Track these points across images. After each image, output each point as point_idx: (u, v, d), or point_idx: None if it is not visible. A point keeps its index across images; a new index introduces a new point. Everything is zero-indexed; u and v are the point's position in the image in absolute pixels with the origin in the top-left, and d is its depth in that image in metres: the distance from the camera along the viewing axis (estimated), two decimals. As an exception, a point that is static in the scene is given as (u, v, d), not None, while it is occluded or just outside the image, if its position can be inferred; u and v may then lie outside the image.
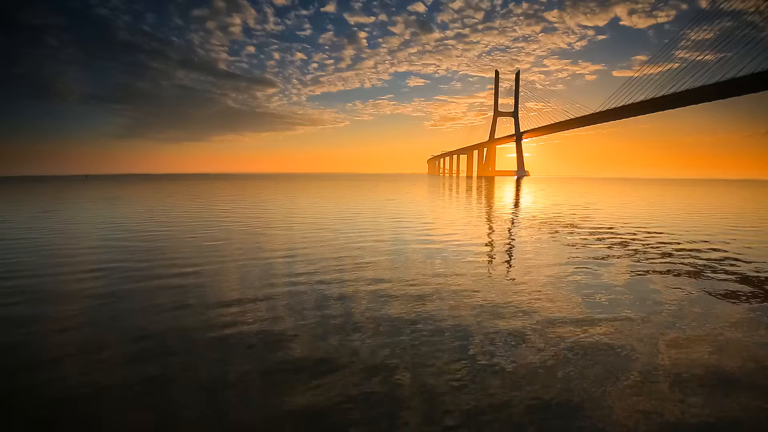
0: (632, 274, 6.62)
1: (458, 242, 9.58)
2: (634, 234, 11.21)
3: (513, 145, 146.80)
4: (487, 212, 17.58)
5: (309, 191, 35.84)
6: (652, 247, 9.12)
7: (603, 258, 7.87)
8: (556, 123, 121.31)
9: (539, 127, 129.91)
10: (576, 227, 12.56)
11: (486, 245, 9.32)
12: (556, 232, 11.52)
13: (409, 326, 4.27)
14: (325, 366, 3.40)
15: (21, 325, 4.37)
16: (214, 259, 7.72)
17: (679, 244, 9.66)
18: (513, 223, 13.76)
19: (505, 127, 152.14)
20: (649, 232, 11.54)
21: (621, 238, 10.48)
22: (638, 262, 7.57)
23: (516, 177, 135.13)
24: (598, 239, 10.18)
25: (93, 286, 5.86)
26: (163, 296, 5.34)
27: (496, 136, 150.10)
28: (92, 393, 3.01)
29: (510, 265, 7.24)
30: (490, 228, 12.41)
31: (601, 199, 28.22)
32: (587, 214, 17.05)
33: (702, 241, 9.98)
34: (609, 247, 9.02)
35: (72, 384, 3.13)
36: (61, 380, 3.19)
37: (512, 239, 10.25)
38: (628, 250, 8.81)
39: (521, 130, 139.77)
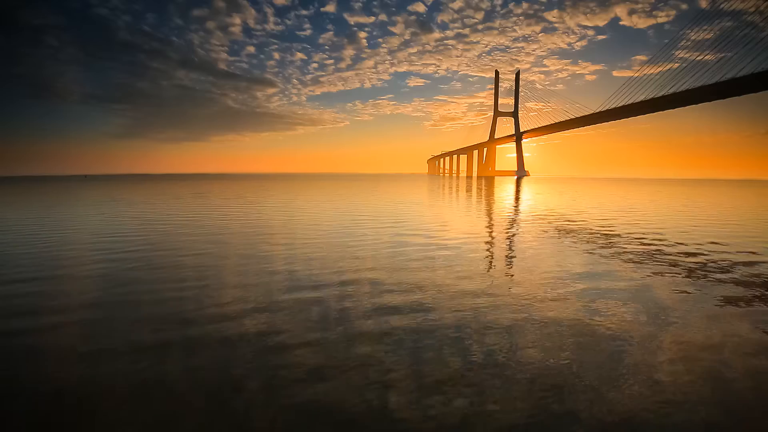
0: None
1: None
2: (730, 252, 9.07)
3: (513, 145, 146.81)
4: (523, 220, 15.52)
5: (315, 192, 35.71)
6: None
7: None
8: (556, 123, 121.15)
9: (539, 127, 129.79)
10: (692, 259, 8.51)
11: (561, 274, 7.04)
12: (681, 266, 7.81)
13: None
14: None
15: None
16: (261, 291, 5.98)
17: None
18: (564, 234, 11.76)
19: (505, 127, 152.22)
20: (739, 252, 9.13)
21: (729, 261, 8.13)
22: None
23: (516, 177, 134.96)
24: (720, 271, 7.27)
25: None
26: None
27: (496, 136, 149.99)
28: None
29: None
30: (543, 241, 10.44)
31: (639, 203, 25.47)
32: (651, 227, 13.79)
33: None
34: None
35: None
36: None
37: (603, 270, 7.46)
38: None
39: (521, 130, 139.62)
